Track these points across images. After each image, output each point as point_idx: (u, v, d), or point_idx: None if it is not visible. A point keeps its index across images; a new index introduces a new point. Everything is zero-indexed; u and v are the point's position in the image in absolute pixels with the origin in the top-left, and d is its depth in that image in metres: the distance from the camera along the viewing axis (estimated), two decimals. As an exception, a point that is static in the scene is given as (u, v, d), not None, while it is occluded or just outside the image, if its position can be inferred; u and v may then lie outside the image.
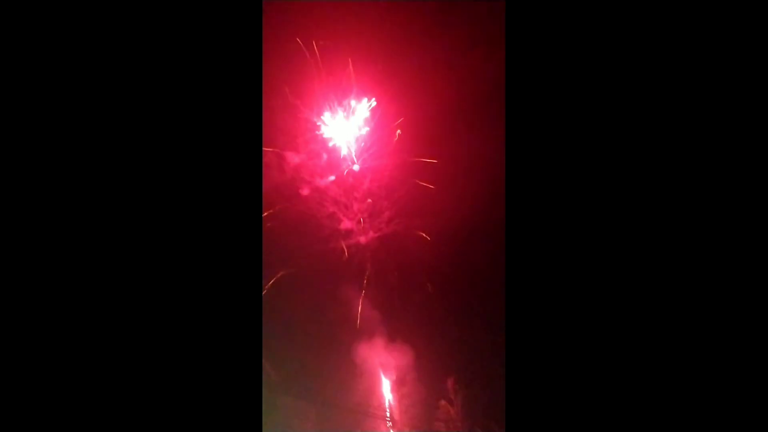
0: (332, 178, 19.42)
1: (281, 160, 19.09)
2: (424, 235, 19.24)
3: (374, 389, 20.11)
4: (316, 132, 19.18)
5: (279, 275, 19.00)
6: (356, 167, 19.50)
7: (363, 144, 19.48)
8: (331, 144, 19.42)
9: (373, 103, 19.07)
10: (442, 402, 19.73)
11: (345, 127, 19.37)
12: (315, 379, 19.02)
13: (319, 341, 19.20)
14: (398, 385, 20.05)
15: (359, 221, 19.53)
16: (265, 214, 18.36)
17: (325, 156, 19.45)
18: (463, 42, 17.86)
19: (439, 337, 19.41)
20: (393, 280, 19.81)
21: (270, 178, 18.72)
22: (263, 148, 17.98)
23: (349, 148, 19.44)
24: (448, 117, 18.33)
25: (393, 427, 19.79)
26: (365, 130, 19.33)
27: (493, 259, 16.65)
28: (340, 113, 19.16)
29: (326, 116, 19.18)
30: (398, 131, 19.15)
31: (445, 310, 19.59)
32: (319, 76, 18.82)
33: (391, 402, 19.99)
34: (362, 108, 19.15)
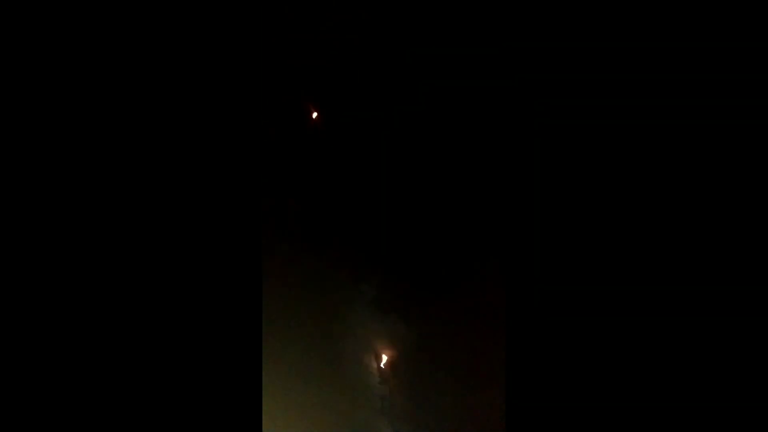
0: None
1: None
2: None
3: (366, 382, 19.95)
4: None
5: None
6: None
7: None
8: None
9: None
10: (436, 394, 19.60)
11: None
12: (304, 375, 18.81)
13: (304, 335, 18.95)
14: (391, 378, 19.90)
15: None
16: None
17: None
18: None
19: (434, 329, 19.25)
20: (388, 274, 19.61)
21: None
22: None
23: None
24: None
25: (386, 419, 19.69)
26: None
27: (494, 253, 16.45)
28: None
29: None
30: None
31: (441, 303, 19.41)
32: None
33: (385, 395, 19.85)
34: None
